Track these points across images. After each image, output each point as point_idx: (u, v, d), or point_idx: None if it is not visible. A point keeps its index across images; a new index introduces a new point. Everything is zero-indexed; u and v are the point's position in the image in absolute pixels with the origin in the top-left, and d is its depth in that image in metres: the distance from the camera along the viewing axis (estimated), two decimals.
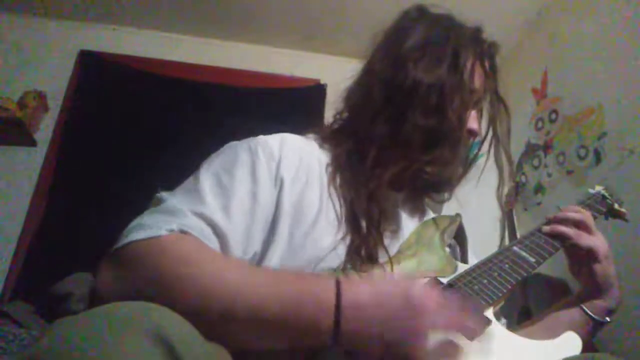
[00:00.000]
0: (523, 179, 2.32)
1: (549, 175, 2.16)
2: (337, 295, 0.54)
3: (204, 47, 2.50)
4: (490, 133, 0.87)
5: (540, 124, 2.27)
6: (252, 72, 2.47)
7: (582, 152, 1.96)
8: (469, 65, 0.81)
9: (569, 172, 2.02)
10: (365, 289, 0.55)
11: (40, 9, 2.33)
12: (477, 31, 0.86)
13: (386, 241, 0.76)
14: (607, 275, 0.82)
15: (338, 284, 0.55)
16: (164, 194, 0.69)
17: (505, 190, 0.86)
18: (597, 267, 0.81)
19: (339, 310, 0.53)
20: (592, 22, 2.00)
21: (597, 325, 0.82)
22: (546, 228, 0.85)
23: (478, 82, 0.83)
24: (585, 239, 0.82)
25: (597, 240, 0.82)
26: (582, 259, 0.83)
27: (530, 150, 2.31)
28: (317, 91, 2.42)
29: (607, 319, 0.83)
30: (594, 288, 0.83)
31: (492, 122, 0.86)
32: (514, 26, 2.38)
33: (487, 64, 0.85)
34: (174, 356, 0.40)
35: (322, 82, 2.47)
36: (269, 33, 2.50)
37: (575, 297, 0.87)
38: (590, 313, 0.82)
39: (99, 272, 0.60)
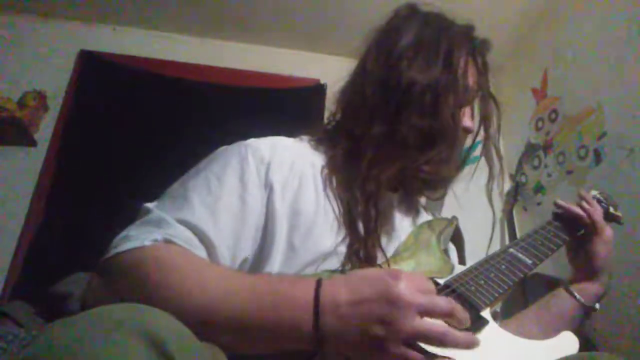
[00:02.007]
0: (523, 179, 2.32)
1: (549, 175, 2.16)
2: (315, 297, 0.53)
3: (204, 47, 2.50)
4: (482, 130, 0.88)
5: (540, 124, 2.27)
6: (252, 72, 2.46)
7: (582, 152, 1.96)
8: (462, 63, 0.81)
9: (569, 172, 2.01)
10: (344, 288, 0.54)
11: (40, 9, 2.33)
12: (468, 29, 0.86)
13: (383, 242, 0.76)
14: (606, 258, 0.86)
15: (317, 286, 0.55)
16: (149, 205, 0.69)
17: (496, 186, 0.87)
18: (601, 248, 0.86)
19: (317, 312, 0.52)
20: (592, 23, 2.00)
21: (586, 311, 0.85)
22: (563, 205, 0.90)
23: (471, 79, 0.83)
24: (600, 217, 0.88)
25: (606, 224, 0.88)
26: (586, 239, 0.87)
27: (530, 150, 2.31)
28: (317, 91, 2.42)
29: (597, 305, 0.86)
30: (589, 271, 0.87)
31: (483, 119, 0.86)
32: (514, 26, 2.38)
33: (479, 61, 0.85)
34: (166, 356, 0.40)
35: (322, 82, 2.46)
36: (269, 33, 2.50)
37: (564, 284, 0.89)
38: (580, 298, 0.85)
39: (89, 287, 0.62)
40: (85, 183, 2.11)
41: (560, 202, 0.92)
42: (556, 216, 0.93)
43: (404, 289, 0.53)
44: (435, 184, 0.85)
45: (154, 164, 2.06)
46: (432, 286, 0.58)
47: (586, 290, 0.86)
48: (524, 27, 2.39)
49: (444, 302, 0.56)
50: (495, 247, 0.85)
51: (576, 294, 0.85)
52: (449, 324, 0.56)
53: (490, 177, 0.86)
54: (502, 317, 0.80)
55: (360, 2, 2.22)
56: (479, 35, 0.87)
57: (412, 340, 0.53)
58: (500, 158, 0.87)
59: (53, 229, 1.99)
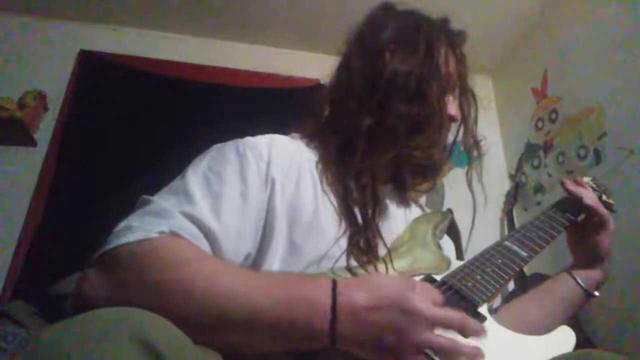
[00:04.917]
0: (523, 179, 2.32)
1: (549, 175, 2.16)
2: (333, 298, 0.53)
3: (204, 47, 2.50)
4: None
5: (540, 124, 2.27)
6: (252, 72, 2.46)
7: (582, 152, 1.96)
8: (442, 52, 0.84)
9: (569, 172, 2.02)
10: (362, 292, 0.55)
11: (40, 9, 2.33)
12: (445, 22, 0.89)
13: (381, 231, 0.76)
14: (607, 248, 0.89)
15: (334, 286, 0.55)
16: (149, 197, 0.67)
17: (476, 175, 0.91)
18: (604, 238, 0.88)
19: (334, 312, 0.52)
20: (592, 22, 2.00)
21: (587, 297, 0.88)
22: (569, 187, 0.94)
23: (452, 68, 0.86)
24: (602, 208, 0.89)
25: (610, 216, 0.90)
26: (589, 228, 0.89)
27: (530, 150, 2.31)
28: (317, 91, 2.42)
29: (596, 293, 0.88)
30: (592, 259, 0.89)
31: (461, 108, 0.88)
32: (514, 26, 2.38)
33: (457, 52, 0.88)
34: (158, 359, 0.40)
35: (322, 82, 2.46)
36: (269, 33, 2.50)
37: (567, 269, 0.91)
38: (582, 284, 0.87)
39: (84, 277, 0.57)
40: (85, 183, 2.11)
41: (568, 184, 0.95)
42: (562, 201, 0.95)
43: (420, 301, 0.54)
44: (427, 169, 0.86)
45: (153, 164, 2.06)
46: (441, 296, 0.59)
47: (588, 276, 0.89)
48: (524, 27, 2.39)
49: (457, 315, 0.57)
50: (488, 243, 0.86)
51: (579, 279, 0.88)
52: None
53: (469, 168, 0.88)
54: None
55: (360, 3, 2.23)
56: (456, 28, 0.90)
57: (424, 351, 0.53)
58: (479, 150, 0.90)
59: (53, 229, 1.99)
